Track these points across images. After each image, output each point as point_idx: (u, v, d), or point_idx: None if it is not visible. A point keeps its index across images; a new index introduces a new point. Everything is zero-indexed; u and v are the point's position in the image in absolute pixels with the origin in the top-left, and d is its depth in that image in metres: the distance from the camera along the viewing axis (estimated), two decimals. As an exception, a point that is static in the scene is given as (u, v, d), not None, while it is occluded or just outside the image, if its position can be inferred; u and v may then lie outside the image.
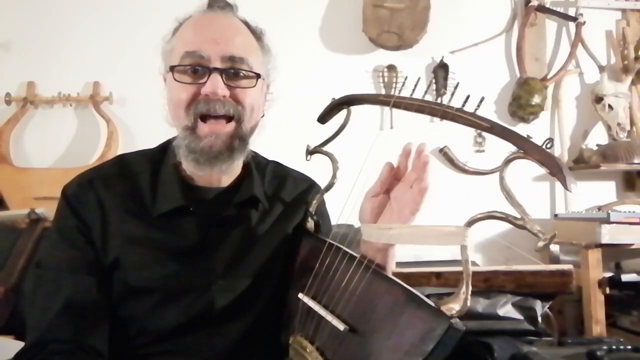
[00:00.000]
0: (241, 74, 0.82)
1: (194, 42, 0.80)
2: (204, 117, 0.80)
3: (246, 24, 0.88)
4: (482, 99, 0.67)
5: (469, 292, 0.62)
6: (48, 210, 1.72)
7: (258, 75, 0.83)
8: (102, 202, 0.83)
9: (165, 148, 0.90)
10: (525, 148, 0.61)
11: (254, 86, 0.83)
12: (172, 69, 0.80)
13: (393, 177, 0.80)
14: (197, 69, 0.80)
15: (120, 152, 2.09)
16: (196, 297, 0.82)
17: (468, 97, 0.69)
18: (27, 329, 0.78)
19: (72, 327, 0.76)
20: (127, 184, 0.86)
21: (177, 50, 0.81)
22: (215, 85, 0.78)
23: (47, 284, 0.79)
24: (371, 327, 0.67)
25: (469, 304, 0.61)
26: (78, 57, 2.15)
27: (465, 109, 0.68)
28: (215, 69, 0.79)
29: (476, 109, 0.67)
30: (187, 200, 0.84)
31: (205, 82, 0.79)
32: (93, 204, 0.82)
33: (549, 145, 0.60)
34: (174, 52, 0.82)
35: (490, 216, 0.62)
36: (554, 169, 0.58)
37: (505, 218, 0.61)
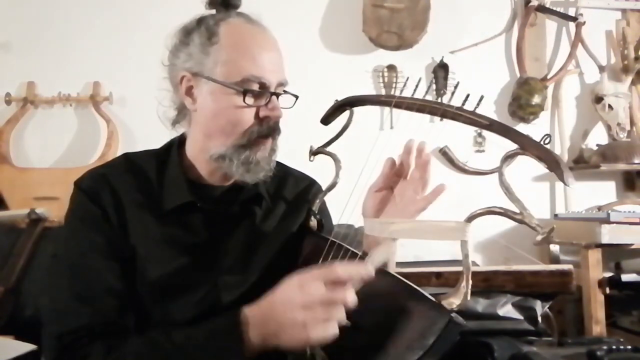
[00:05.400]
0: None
1: (258, 66, 0.83)
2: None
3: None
4: (482, 98, 0.69)
5: (469, 287, 0.63)
6: (48, 210, 1.72)
7: (296, 97, 0.89)
8: (117, 194, 0.84)
9: (170, 147, 0.93)
10: (524, 144, 0.62)
11: (292, 106, 0.88)
12: (245, 92, 0.82)
13: (395, 174, 0.83)
14: (261, 92, 0.83)
15: (120, 152, 2.08)
16: (203, 293, 0.84)
17: (468, 96, 0.70)
18: (57, 317, 0.78)
19: (114, 311, 0.78)
20: (137, 179, 0.88)
21: (234, 69, 0.82)
22: (279, 109, 0.84)
23: (81, 270, 0.80)
24: (373, 323, 0.69)
25: (469, 298, 0.62)
26: (78, 57, 2.15)
27: (464, 107, 0.69)
28: (274, 93, 0.84)
29: (475, 108, 0.68)
30: (193, 196, 0.86)
31: (265, 104, 0.83)
32: (108, 196, 0.84)
33: (546, 141, 0.61)
34: (228, 67, 0.82)
35: (489, 211, 0.63)
36: (552, 164, 0.59)
37: (504, 213, 0.62)
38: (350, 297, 0.66)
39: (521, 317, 1.47)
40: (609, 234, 1.85)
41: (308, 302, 0.66)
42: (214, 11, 0.89)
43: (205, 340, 0.72)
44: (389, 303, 0.68)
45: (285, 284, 0.70)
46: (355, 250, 0.78)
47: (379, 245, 0.73)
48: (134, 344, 0.74)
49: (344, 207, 0.86)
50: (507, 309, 1.47)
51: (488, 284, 1.53)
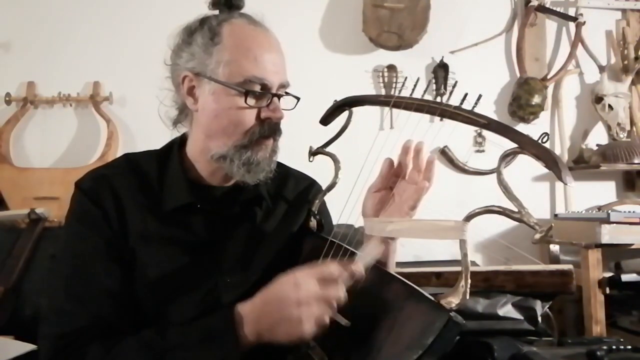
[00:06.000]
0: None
1: (260, 67, 0.83)
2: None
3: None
4: (480, 97, 0.69)
5: (468, 286, 0.63)
6: (48, 210, 1.72)
7: (298, 99, 0.90)
8: (117, 194, 0.85)
9: (171, 148, 0.93)
10: (521, 143, 0.62)
11: (293, 108, 0.90)
12: (246, 93, 0.82)
13: (394, 174, 0.84)
14: (263, 94, 0.84)
15: (120, 152, 2.09)
16: (203, 294, 0.84)
17: (466, 95, 0.70)
18: (55, 318, 0.78)
19: (112, 313, 0.78)
20: (138, 179, 0.88)
21: (236, 70, 0.82)
22: (280, 110, 0.85)
23: (80, 271, 0.80)
24: (372, 322, 0.69)
25: (468, 297, 0.62)
26: (78, 57, 2.15)
27: (463, 106, 0.70)
28: (275, 95, 0.85)
29: (474, 107, 0.68)
30: (194, 197, 0.86)
31: (267, 105, 0.84)
32: (109, 196, 0.84)
33: (544, 140, 0.61)
34: (230, 68, 0.82)
35: (488, 210, 0.64)
36: (549, 162, 0.59)
37: (502, 212, 0.63)
38: (342, 294, 0.70)
39: (521, 317, 1.47)
40: (609, 234, 1.85)
41: (304, 299, 0.69)
42: (217, 11, 0.89)
43: (200, 340, 0.73)
44: (388, 303, 0.68)
45: (280, 282, 0.73)
46: (355, 250, 0.78)
47: (368, 244, 0.76)
48: (129, 345, 0.74)
49: (344, 207, 0.86)
50: (507, 309, 1.47)
51: (488, 284, 1.53)
